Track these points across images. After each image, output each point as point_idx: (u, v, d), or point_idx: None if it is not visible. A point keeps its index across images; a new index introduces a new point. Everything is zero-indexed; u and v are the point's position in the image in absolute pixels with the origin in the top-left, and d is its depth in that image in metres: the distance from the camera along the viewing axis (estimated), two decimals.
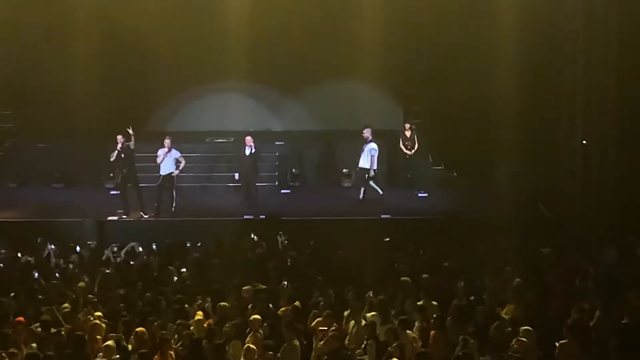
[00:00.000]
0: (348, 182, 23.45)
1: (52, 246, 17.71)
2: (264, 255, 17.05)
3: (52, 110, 24.82)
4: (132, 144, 20.26)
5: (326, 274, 15.32)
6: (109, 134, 20.93)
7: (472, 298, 13.82)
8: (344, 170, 23.53)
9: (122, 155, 20.31)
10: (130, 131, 20.20)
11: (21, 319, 12.70)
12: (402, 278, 14.50)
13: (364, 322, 12.65)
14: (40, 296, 14.46)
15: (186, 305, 13.51)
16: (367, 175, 21.40)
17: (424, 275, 14.66)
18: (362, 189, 21.54)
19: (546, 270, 15.44)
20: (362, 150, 21.47)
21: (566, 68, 21.79)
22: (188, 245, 18.05)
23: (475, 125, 23.08)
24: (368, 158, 21.31)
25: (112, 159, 20.46)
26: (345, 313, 13.15)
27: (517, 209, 20.58)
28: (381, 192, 21.46)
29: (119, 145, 20.23)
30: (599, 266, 15.55)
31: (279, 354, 11.72)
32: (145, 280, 15.42)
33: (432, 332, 12.04)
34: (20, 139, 24.93)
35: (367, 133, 21.46)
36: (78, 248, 18.14)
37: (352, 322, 12.75)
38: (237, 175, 21.43)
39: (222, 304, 13.53)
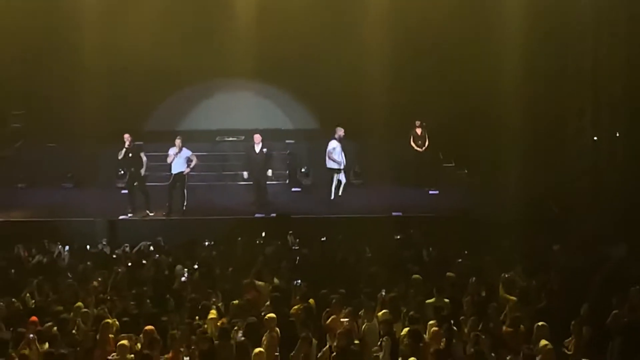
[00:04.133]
0: (357, 180, 23.44)
1: (65, 246, 17.70)
2: (275, 253, 17.06)
3: (62, 110, 24.76)
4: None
5: (337, 272, 15.32)
6: (118, 134, 20.93)
7: (483, 294, 13.84)
8: (355, 169, 23.51)
9: (130, 155, 20.39)
10: (128, 137, 20.33)
11: (34, 318, 12.78)
12: (414, 276, 14.54)
13: (375, 320, 12.68)
14: (52, 296, 14.53)
15: (199, 306, 13.49)
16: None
17: (449, 274, 14.71)
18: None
19: (555, 267, 15.42)
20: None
21: (575, 66, 21.74)
22: (205, 244, 18.05)
23: (485, 122, 23.08)
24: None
25: (119, 157, 20.56)
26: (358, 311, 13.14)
27: (527, 206, 20.53)
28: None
29: (127, 144, 20.32)
30: (607, 263, 15.53)
31: (293, 352, 11.72)
32: (156, 279, 15.45)
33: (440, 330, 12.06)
34: (30, 139, 25.00)
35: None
36: (88, 247, 18.24)
37: (365, 320, 12.76)
38: (245, 174, 21.40)
39: (234, 302, 13.55)
